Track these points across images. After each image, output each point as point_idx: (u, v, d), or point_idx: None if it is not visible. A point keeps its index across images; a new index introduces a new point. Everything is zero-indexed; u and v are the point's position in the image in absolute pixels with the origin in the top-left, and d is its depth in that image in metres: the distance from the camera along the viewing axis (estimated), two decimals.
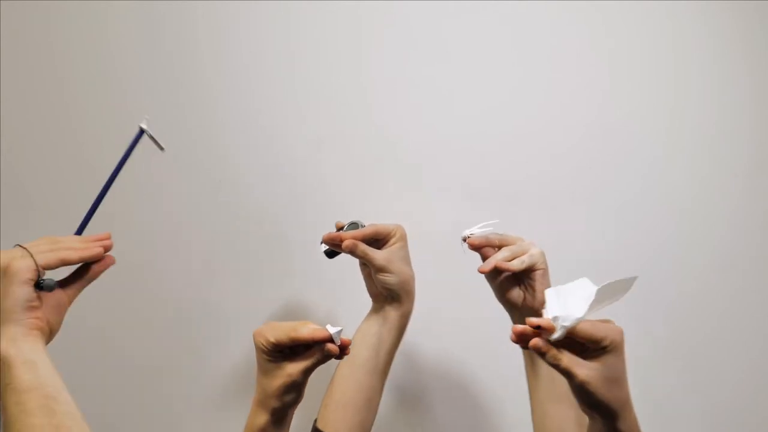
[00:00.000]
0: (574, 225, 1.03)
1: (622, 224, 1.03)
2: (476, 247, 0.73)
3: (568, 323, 0.54)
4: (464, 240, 0.73)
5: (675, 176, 1.04)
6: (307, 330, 0.65)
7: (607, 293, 0.55)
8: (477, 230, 0.73)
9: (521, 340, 0.56)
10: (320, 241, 0.81)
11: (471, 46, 1.04)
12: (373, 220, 1.01)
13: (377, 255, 0.78)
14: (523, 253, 0.71)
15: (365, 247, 0.78)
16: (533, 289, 0.73)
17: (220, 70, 1.03)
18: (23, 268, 0.61)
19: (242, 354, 1.03)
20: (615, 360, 0.56)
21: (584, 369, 0.54)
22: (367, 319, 0.83)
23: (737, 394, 1.03)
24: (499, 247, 0.73)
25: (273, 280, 1.03)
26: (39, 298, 0.62)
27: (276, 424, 0.68)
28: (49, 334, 0.65)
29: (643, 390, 1.00)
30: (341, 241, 0.77)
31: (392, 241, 0.81)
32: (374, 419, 0.82)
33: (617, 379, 0.56)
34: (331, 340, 0.65)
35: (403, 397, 1.03)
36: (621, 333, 0.57)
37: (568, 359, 0.55)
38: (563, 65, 1.04)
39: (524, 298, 0.74)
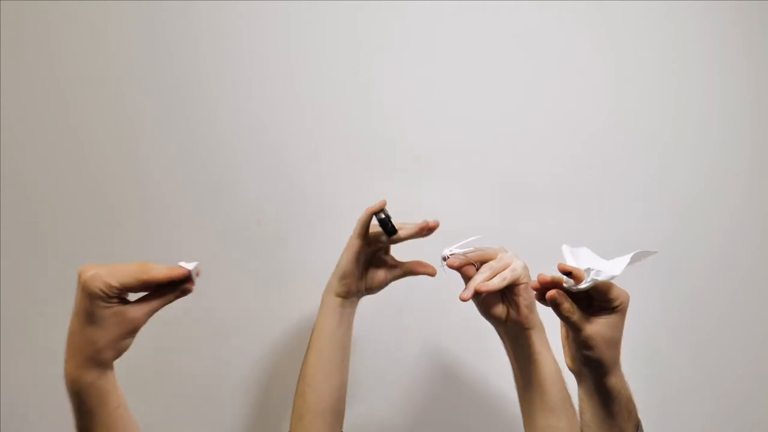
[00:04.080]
0: (575, 225, 1.03)
1: (623, 224, 1.03)
2: (455, 268, 0.71)
3: (600, 277, 0.58)
4: (444, 259, 0.71)
5: (675, 176, 1.04)
6: (162, 270, 0.58)
7: (635, 260, 0.60)
8: (456, 249, 0.71)
9: (544, 288, 0.60)
10: (378, 215, 0.76)
11: (477, 47, 1.04)
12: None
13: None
14: (505, 268, 0.69)
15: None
16: (517, 305, 0.71)
17: (220, 70, 1.03)
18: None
19: (240, 353, 1.03)
20: (619, 321, 0.60)
21: (592, 325, 0.58)
22: (333, 317, 0.81)
23: (737, 393, 1.03)
24: (480, 264, 0.71)
25: (272, 280, 1.03)
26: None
27: (106, 377, 0.62)
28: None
29: (644, 388, 1.01)
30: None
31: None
32: (344, 414, 0.82)
33: (615, 340, 0.60)
34: (190, 278, 0.58)
35: (404, 398, 1.03)
36: (629, 297, 0.60)
37: (579, 314, 0.58)
38: (569, 69, 1.04)
39: (508, 313, 0.72)
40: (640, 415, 0.64)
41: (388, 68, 1.04)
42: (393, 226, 0.76)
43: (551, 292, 0.58)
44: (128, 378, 1.01)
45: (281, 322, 1.03)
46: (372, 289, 0.82)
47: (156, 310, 0.60)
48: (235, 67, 1.03)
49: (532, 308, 0.71)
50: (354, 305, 0.83)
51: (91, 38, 1.03)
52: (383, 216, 0.76)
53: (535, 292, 0.64)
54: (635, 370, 1.02)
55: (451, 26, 1.04)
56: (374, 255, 0.83)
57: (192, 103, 1.03)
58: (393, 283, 0.85)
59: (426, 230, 0.77)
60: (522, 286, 0.70)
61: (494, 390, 1.02)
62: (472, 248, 0.71)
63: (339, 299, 0.81)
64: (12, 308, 1.02)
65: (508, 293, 0.72)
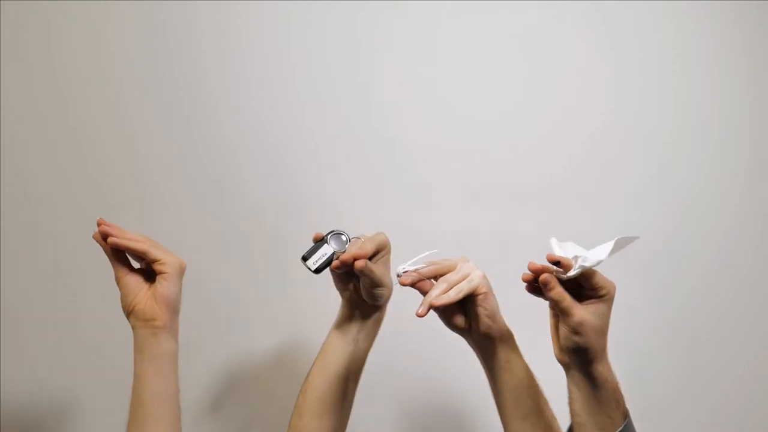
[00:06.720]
0: (575, 225, 1.03)
1: (623, 224, 1.03)
2: (408, 285, 0.70)
3: (587, 263, 0.60)
4: (398, 276, 0.70)
5: (675, 176, 1.04)
6: None
7: (619, 245, 0.62)
8: (409, 266, 0.70)
9: (534, 278, 0.62)
10: (303, 256, 0.75)
11: (477, 47, 1.04)
12: (373, 221, 1.01)
13: (377, 271, 0.75)
14: (462, 280, 0.68)
15: (372, 265, 0.74)
16: (476, 314, 0.70)
17: (220, 70, 1.03)
18: None
19: (239, 353, 1.03)
20: (606, 310, 0.62)
21: (581, 311, 0.61)
22: (340, 325, 0.81)
23: (736, 394, 1.03)
24: (436, 279, 0.70)
25: (270, 281, 1.03)
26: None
27: None
28: None
29: (644, 387, 1.01)
30: (353, 261, 0.71)
31: (383, 252, 0.77)
32: (347, 422, 0.81)
33: (603, 328, 0.62)
34: None
35: (394, 407, 1.03)
36: (615, 287, 0.62)
37: (569, 299, 0.61)
38: (569, 69, 1.04)
39: (470, 324, 0.72)
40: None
41: (388, 68, 1.04)
42: (320, 268, 0.76)
43: (543, 276, 0.61)
44: (128, 378, 1.01)
45: (280, 322, 1.03)
46: (367, 300, 0.79)
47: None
48: (235, 67, 1.03)
49: (494, 317, 0.70)
50: (366, 318, 0.80)
51: (91, 38, 1.03)
52: (316, 266, 0.76)
53: (526, 286, 0.65)
54: (635, 370, 1.02)
55: (451, 26, 1.04)
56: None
57: (192, 103, 1.03)
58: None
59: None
60: (481, 296, 0.69)
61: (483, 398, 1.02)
62: (423, 264, 0.71)
63: (345, 309, 0.81)
64: (12, 308, 1.02)
65: (468, 304, 0.71)
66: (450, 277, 0.69)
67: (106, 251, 0.72)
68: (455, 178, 1.03)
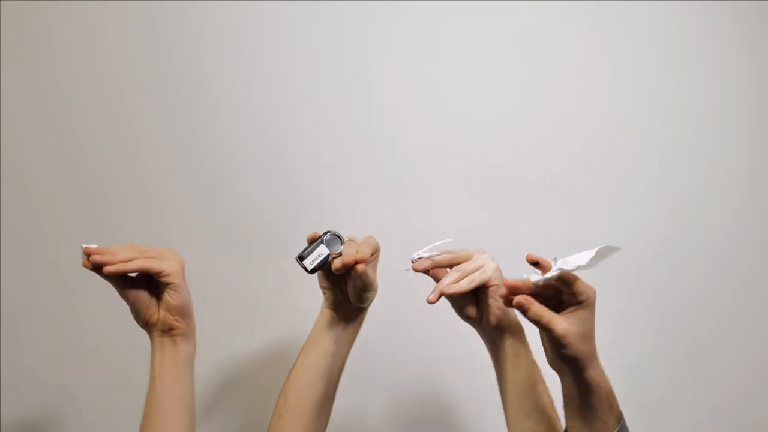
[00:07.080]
0: (575, 225, 1.03)
1: (623, 224, 1.03)
2: (421, 272, 0.70)
3: (567, 267, 0.59)
4: (413, 262, 0.70)
5: (675, 176, 1.04)
6: None
7: (602, 254, 0.60)
8: (424, 253, 0.70)
9: (511, 293, 0.62)
10: (299, 256, 0.75)
11: (477, 47, 1.04)
12: (373, 221, 1.01)
13: (371, 274, 0.75)
14: (476, 270, 0.69)
15: (368, 268, 0.74)
16: (488, 306, 0.71)
17: (220, 70, 1.03)
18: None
19: (239, 353, 1.03)
20: (588, 316, 0.61)
21: (563, 323, 0.59)
22: (324, 326, 0.80)
23: (736, 394, 1.03)
24: (451, 267, 0.70)
25: (270, 281, 1.03)
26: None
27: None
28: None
29: (643, 387, 1.01)
30: (355, 264, 0.71)
31: (374, 256, 0.77)
32: (327, 423, 0.81)
33: (588, 334, 0.61)
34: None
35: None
36: (595, 293, 0.61)
37: (548, 315, 0.59)
38: (569, 69, 1.04)
39: (481, 315, 0.72)
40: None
41: (388, 68, 1.04)
42: (316, 268, 0.74)
43: (517, 299, 0.59)
44: (128, 378, 1.01)
45: (280, 322, 1.03)
46: (354, 302, 0.79)
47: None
48: (235, 67, 1.03)
49: (505, 310, 0.70)
50: (349, 319, 0.80)
51: (91, 38, 1.03)
52: (312, 266, 0.74)
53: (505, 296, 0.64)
54: (635, 370, 1.03)
55: (451, 26, 1.04)
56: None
57: (192, 103, 1.03)
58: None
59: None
60: (493, 288, 0.70)
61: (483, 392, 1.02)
62: (437, 252, 0.71)
63: (328, 310, 0.80)
64: (12, 308, 1.02)
65: (481, 295, 0.72)
66: (464, 267, 0.69)
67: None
68: (455, 178, 1.03)
